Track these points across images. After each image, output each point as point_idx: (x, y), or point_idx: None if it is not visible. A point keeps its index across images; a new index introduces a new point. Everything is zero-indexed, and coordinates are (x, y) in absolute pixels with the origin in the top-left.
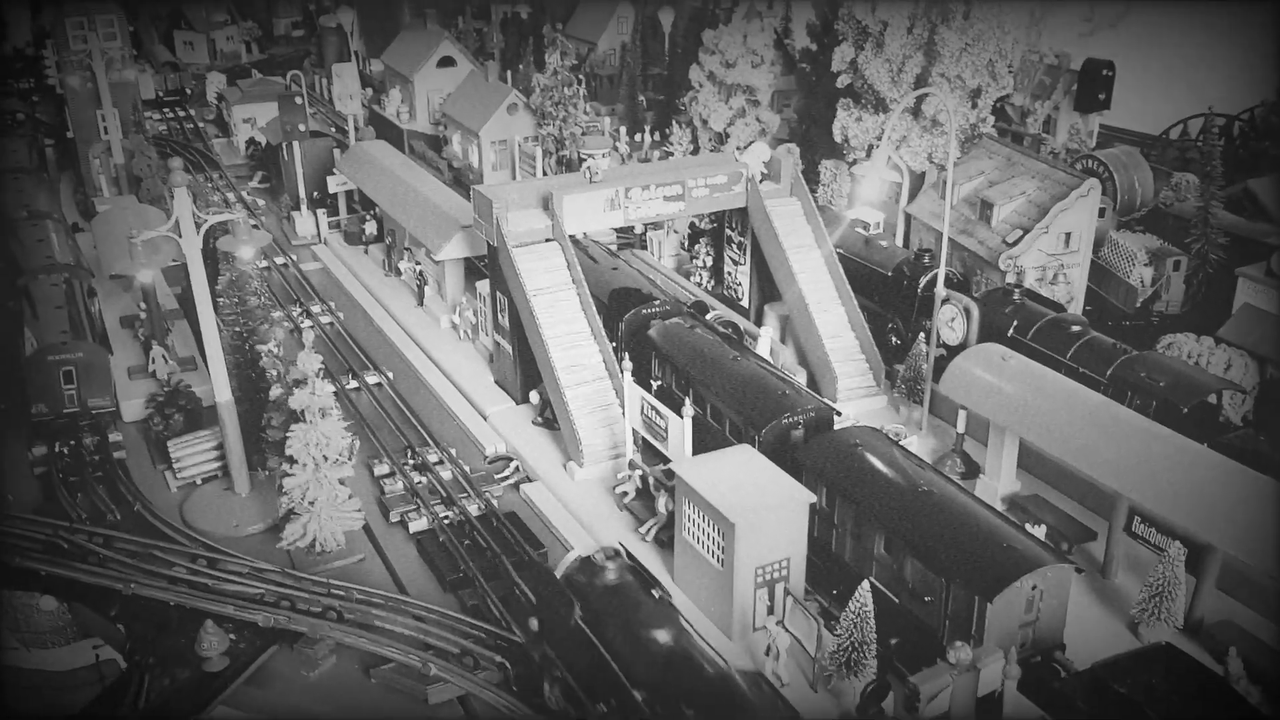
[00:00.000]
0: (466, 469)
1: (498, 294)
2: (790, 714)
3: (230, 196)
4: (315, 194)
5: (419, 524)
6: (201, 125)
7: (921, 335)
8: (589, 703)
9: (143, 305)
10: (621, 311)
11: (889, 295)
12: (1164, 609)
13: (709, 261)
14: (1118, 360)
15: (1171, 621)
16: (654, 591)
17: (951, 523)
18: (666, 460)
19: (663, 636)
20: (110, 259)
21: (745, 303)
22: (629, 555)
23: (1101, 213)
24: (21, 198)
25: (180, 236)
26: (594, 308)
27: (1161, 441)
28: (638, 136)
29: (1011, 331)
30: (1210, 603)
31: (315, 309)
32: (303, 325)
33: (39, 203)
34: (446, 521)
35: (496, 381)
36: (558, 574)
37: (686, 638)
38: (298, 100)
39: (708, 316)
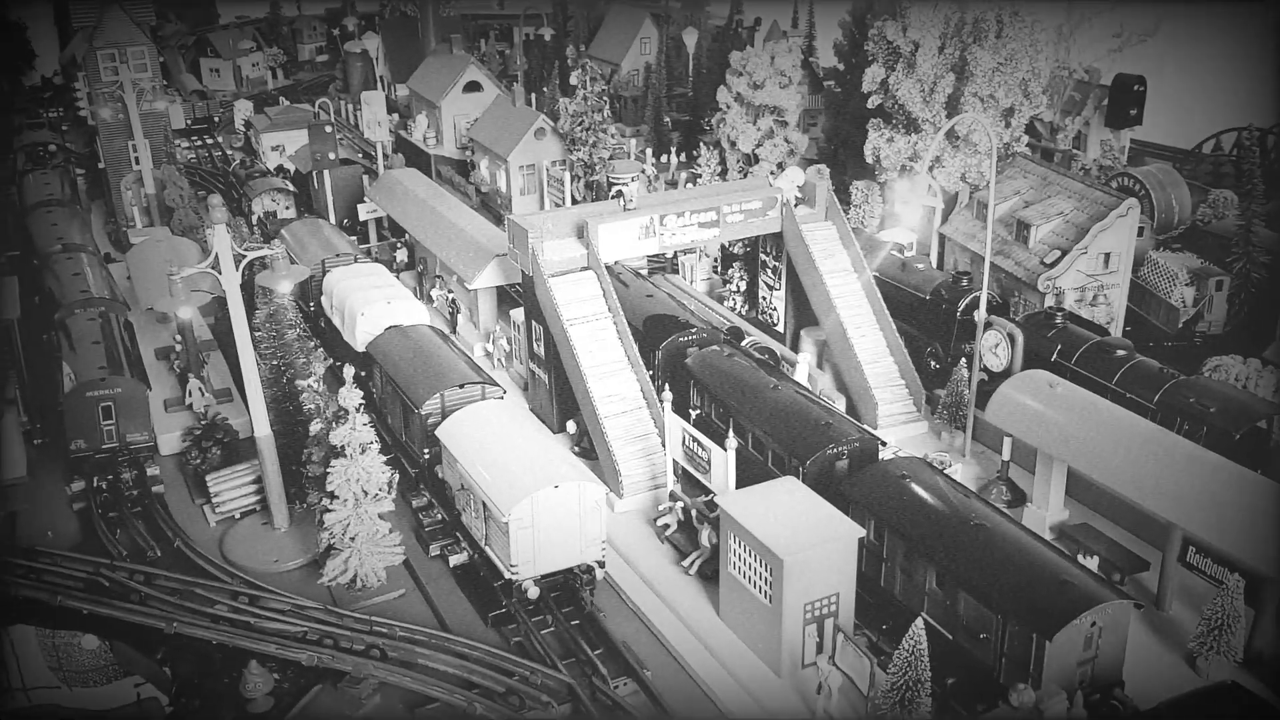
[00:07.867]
0: None
1: (533, 323)
2: None
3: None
4: (345, 221)
5: (459, 558)
6: (230, 153)
7: (963, 360)
8: None
9: (178, 337)
10: (657, 339)
11: (926, 319)
12: (1223, 642)
13: (743, 286)
14: (1165, 385)
15: (1231, 655)
16: None
17: (1005, 557)
18: (708, 492)
19: None
20: (146, 293)
21: (781, 328)
22: None
23: (1140, 232)
24: (55, 230)
25: (220, 273)
26: (630, 336)
27: (1215, 469)
28: (664, 158)
29: (1055, 356)
30: (1270, 635)
31: None
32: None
33: (72, 235)
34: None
35: (532, 410)
36: None
37: None
38: (327, 128)
39: (744, 343)
